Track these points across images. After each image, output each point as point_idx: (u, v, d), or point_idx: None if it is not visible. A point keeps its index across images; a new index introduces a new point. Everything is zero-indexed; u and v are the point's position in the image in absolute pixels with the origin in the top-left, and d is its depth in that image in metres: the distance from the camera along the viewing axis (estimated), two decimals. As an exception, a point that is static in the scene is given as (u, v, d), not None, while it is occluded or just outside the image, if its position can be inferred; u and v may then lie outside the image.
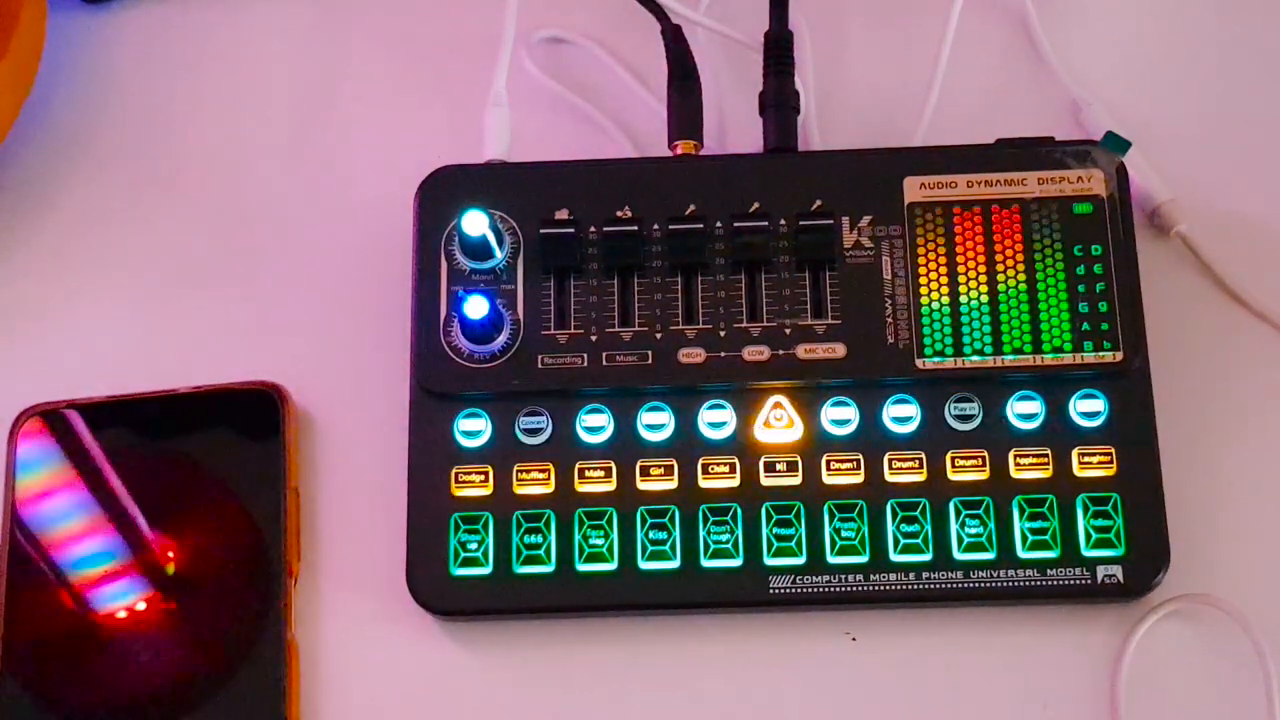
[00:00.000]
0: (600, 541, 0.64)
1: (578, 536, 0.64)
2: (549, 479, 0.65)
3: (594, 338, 0.66)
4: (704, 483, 0.65)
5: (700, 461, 0.65)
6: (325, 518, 0.68)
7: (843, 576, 0.64)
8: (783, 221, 0.67)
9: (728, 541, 0.64)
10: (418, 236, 0.67)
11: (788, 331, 0.66)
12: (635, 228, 0.67)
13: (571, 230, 0.67)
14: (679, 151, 0.69)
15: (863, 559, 0.64)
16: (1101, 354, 0.65)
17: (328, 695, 0.65)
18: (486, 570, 0.64)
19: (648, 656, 0.65)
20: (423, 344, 0.66)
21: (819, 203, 0.67)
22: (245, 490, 0.67)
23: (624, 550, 0.64)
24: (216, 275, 0.72)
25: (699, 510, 0.64)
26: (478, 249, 0.67)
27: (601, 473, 0.65)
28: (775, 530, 0.64)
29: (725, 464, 0.65)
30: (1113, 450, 0.64)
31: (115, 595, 0.66)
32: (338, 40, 0.77)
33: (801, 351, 0.65)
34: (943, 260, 0.66)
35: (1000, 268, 0.66)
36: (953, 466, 0.64)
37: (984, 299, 0.66)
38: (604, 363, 0.66)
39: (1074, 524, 0.64)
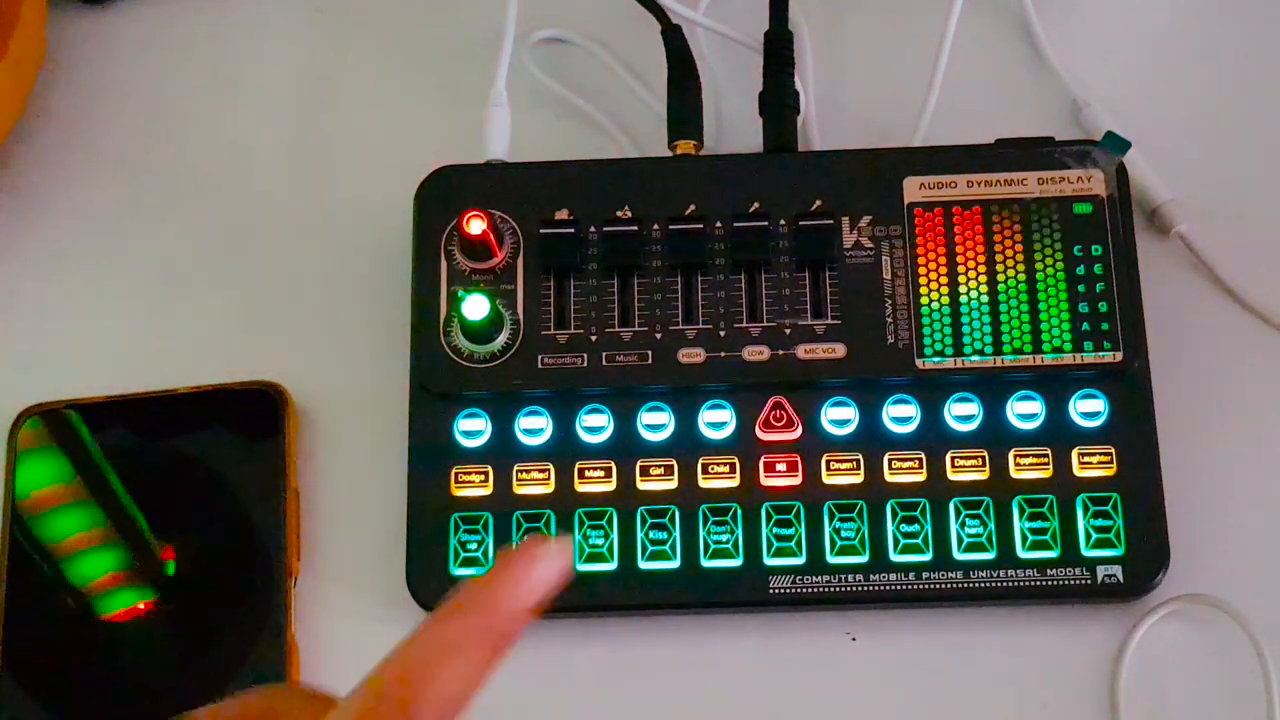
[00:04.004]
0: (600, 541, 0.64)
1: (578, 536, 0.64)
2: (549, 479, 0.65)
3: (594, 338, 0.66)
4: (704, 483, 0.65)
5: (700, 461, 0.65)
6: (325, 518, 0.68)
7: (843, 576, 0.64)
8: (783, 221, 0.67)
9: (728, 541, 0.64)
10: (418, 236, 0.67)
11: (787, 331, 0.66)
12: (635, 228, 0.67)
13: (571, 230, 0.67)
14: (679, 151, 0.69)
15: (863, 559, 0.64)
16: (1101, 354, 0.65)
17: (328, 695, 0.65)
18: (486, 570, 0.64)
19: (648, 656, 0.65)
20: (423, 344, 0.66)
21: (819, 203, 0.67)
22: (245, 490, 0.67)
23: (624, 550, 0.64)
24: (216, 275, 0.72)
25: (699, 510, 0.64)
26: (478, 249, 0.67)
27: (601, 473, 0.65)
28: (775, 530, 0.64)
29: (725, 464, 0.65)
30: (1113, 450, 0.64)
31: (115, 595, 0.66)
32: (337, 40, 0.77)
33: (801, 351, 0.65)
34: (943, 260, 0.66)
35: (1000, 268, 0.66)
36: (953, 466, 0.64)
37: (984, 299, 0.66)
38: (604, 363, 0.66)
39: (1074, 524, 0.64)
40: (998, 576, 0.63)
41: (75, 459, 0.68)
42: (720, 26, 0.73)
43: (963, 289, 0.66)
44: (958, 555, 0.64)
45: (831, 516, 0.64)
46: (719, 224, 0.67)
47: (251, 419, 0.68)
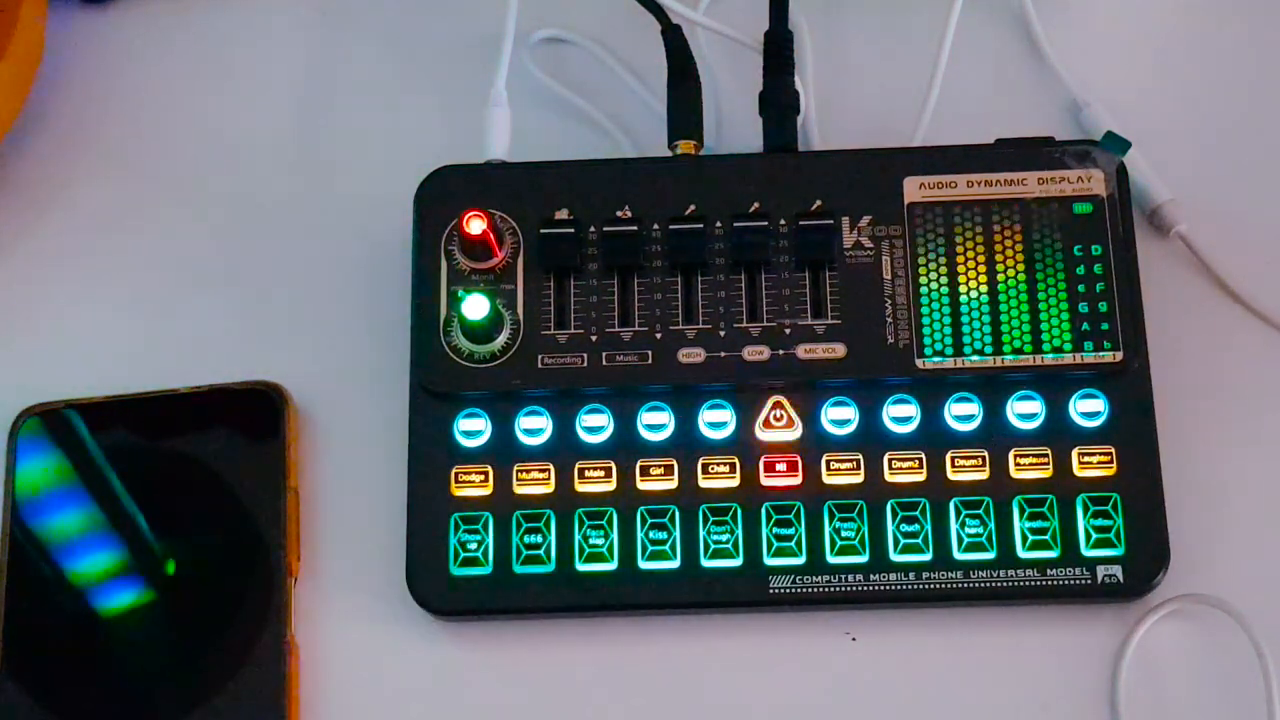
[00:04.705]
0: (600, 541, 0.64)
1: (578, 536, 0.64)
2: (549, 479, 0.65)
3: (594, 338, 0.66)
4: (704, 483, 0.65)
5: (700, 461, 0.65)
6: (325, 518, 0.68)
7: (843, 576, 0.64)
8: (783, 221, 0.67)
9: (728, 541, 0.64)
10: (418, 236, 0.67)
11: (787, 331, 0.66)
12: (635, 228, 0.67)
13: (571, 230, 0.67)
14: (679, 151, 0.69)
15: (863, 559, 0.64)
16: (1101, 354, 0.65)
17: (328, 695, 0.65)
18: (486, 570, 0.64)
19: (648, 656, 0.65)
20: (423, 344, 0.66)
21: (819, 203, 0.67)
22: (245, 490, 0.67)
23: (624, 550, 0.64)
24: (216, 275, 0.72)
25: (699, 510, 0.64)
26: (478, 249, 0.67)
27: (601, 473, 0.65)
28: (775, 530, 0.64)
29: (725, 464, 0.65)
30: (1113, 450, 0.64)
31: (115, 595, 0.66)
32: (338, 40, 0.77)
33: (801, 351, 0.65)
34: (943, 260, 0.66)
35: (1000, 268, 0.66)
36: (953, 466, 0.64)
37: (984, 299, 0.66)
38: (604, 363, 0.66)
39: (1074, 524, 0.64)
40: (998, 576, 0.63)
41: (75, 459, 0.68)
42: (720, 26, 0.73)
43: (963, 289, 0.66)
44: (958, 555, 0.64)
45: (831, 516, 0.64)
46: (719, 224, 0.67)
47: (251, 419, 0.68)
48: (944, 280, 0.66)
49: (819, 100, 0.73)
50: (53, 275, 0.72)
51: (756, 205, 0.67)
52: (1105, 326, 0.65)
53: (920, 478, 0.64)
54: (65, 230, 0.73)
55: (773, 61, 0.70)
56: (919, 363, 0.65)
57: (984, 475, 0.64)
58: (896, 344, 0.65)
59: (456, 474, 0.65)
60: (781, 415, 0.65)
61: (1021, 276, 0.66)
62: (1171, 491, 0.64)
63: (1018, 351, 0.65)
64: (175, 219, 0.73)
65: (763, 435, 0.65)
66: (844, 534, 0.64)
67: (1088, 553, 0.63)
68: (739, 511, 0.64)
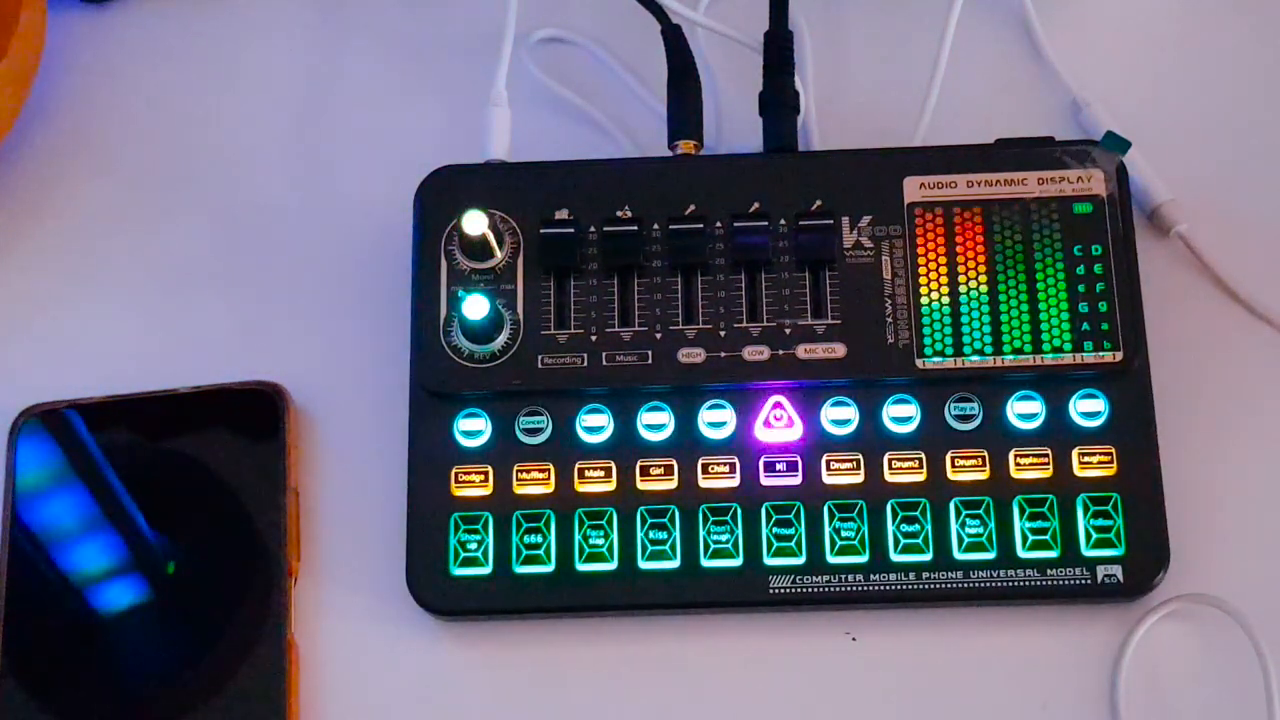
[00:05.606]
0: (600, 541, 0.64)
1: (578, 536, 0.64)
2: (549, 479, 0.65)
3: (594, 338, 0.66)
4: (704, 483, 0.65)
5: (700, 461, 0.65)
6: (325, 518, 0.68)
7: (843, 576, 0.64)
8: (783, 221, 0.67)
9: (728, 541, 0.64)
10: (418, 236, 0.68)
11: (787, 331, 0.66)
12: (635, 228, 0.67)
13: (571, 230, 0.67)
14: (679, 151, 0.69)
15: (863, 559, 0.64)
16: (1101, 354, 0.65)
17: (328, 695, 0.65)
18: (486, 570, 0.64)
19: (648, 656, 0.65)
20: (423, 344, 0.66)
21: (819, 203, 0.67)
22: (245, 490, 0.67)
23: (624, 550, 0.64)
24: (216, 275, 0.72)
25: (699, 510, 0.64)
26: (478, 249, 0.67)
27: (601, 473, 0.65)
28: (775, 530, 0.64)
29: (725, 464, 0.65)
30: (1113, 450, 0.64)
31: (115, 595, 0.66)
32: (338, 40, 0.77)
33: (801, 351, 0.65)
34: (943, 260, 0.66)
35: (1000, 268, 0.66)
36: (953, 466, 0.64)
37: (984, 299, 0.66)
38: (604, 363, 0.66)
39: (1074, 524, 0.64)
40: (998, 576, 0.63)
41: (75, 459, 0.68)
42: (720, 26, 0.73)
43: (963, 289, 0.66)
44: (958, 555, 0.64)
45: (831, 516, 0.64)
46: (719, 224, 0.67)
47: (251, 419, 0.68)
48: (944, 280, 0.66)
49: (819, 100, 0.73)
50: (53, 275, 0.73)
51: (756, 205, 0.67)
52: (1105, 326, 0.65)
53: (920, 478, 0.64)
54: (65, 230, 0.73)
55: (773, 61, 0.70)
56: (919, 363, 0.65)
57: (984, 475, 0.64)
58: (896, 344, 0.65)
59: (456, 474, 0.65)
60: (781, 415, 0.65)
61: (1021, 276, 0.66)
62: (1171, 491, 0.64)
63: (1018, 351, 0.65)
64: (175, 219, 0.73)
65: (763, 435, 0.65)
66: (844, 534, 0.64)
67: (1088, 553, 0.63)
68: (739, 511, 0.64)
